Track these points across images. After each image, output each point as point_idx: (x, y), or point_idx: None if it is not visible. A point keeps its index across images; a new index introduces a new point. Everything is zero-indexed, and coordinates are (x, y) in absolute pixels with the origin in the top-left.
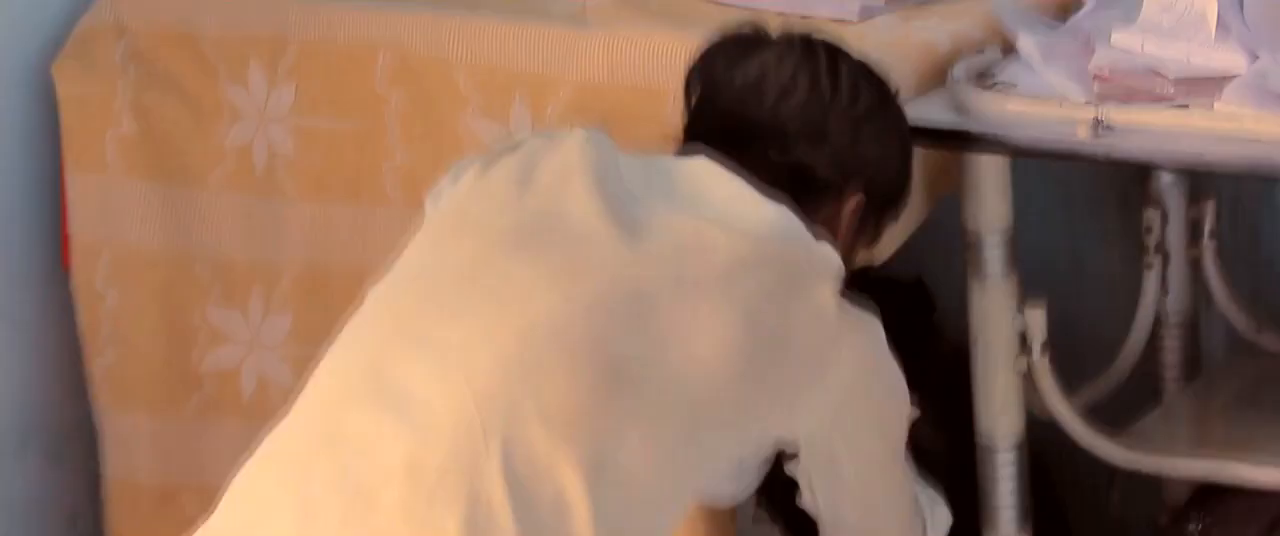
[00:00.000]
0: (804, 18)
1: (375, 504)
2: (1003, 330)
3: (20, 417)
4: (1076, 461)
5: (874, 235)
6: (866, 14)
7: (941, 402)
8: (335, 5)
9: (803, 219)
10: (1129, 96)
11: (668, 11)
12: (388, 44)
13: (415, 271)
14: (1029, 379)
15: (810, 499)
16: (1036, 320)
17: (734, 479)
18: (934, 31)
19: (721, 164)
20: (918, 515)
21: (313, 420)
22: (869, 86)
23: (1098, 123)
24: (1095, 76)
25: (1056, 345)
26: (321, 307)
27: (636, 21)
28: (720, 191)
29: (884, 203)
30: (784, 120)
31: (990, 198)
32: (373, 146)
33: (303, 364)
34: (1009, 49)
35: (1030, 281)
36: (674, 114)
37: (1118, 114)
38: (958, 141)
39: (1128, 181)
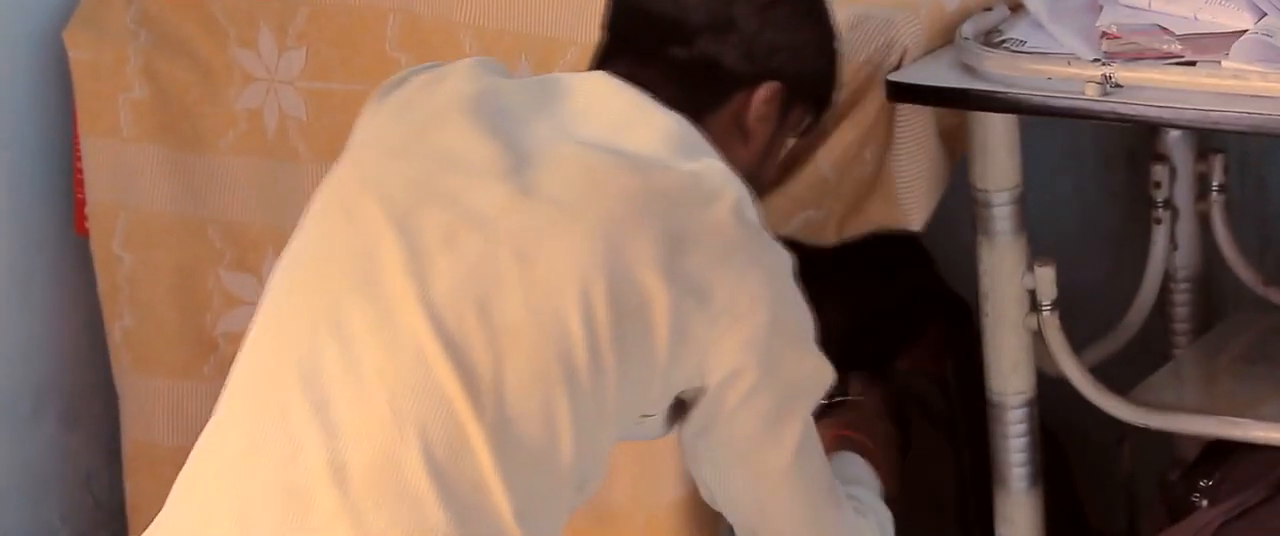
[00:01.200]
0: None
1: (311, 505)
2: (1012, 288)
3: (35, 382)
4: (1086, 419)
5: (807, 128)
6: None
7: (949, 357)
8: None
9: (706, 123)
10: (1137, 54)
11: None
12: (397, 7)
13: (319, 251)
14: (1039, 337)
15: (705, 489)
16: (1046, 278)
17: (646, 427)
18: None
19: (619, 76)
20: (840, 507)
21: (244, 419)
22: None
23: (1106, 81)
24: (1103, 34)
25: (1065, 303)
26: None
27: None
28: (612, 108)
29: (808, 94)
30: (687, 11)
31: (999, 156)
32: None
33: None
34: (1016, 7)
35: (1038, 239)
36: None
37: (1125, 72)
38: (966, 100)
39: (1135, 137)
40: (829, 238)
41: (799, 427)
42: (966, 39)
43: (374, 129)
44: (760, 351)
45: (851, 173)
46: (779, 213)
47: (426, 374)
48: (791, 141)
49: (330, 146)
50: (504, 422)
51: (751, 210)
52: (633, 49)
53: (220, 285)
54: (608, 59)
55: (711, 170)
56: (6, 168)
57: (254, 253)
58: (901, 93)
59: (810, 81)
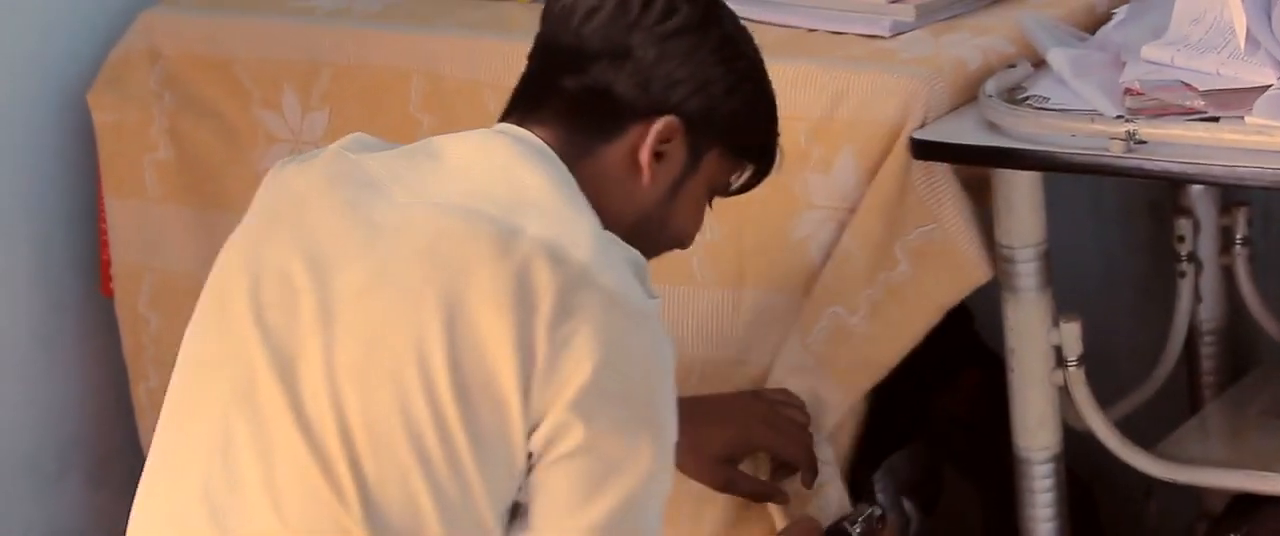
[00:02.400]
0: (835, 34)
1: None
2: (1038, 344)
3: (61, 441)
4: (1113, 473)
5: (746, 184)
6: (897, 30)
7: (982, 405)
8: (367, 30)
9: (598, 155)
10: (1160, 111)
11: None
12: (420, 68)
13: (204, 358)
14: (1065, 392)
15: None
16: (1071, 334)
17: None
18: (964, 47)
19: (519, 116)
20: None
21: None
22: (692, 7)
23: (1130, 137)
24: (1126, 91)
25: (1091, 356)
26: None
27: None
28: (480, 167)
29: (723, 137)
30: (585, 40)
31: (1023, 213)
32: None
33: None
34: (1039, 63)
35: (1062, 292)
36: None
37: (1149, 129)
38: (991, 158)
39: (1158, 191)
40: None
41: (609, 507)
42: (990, 96)
43: (256, 207)
44: (586, 413)
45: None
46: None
47: (301, 479)
48: (713, 194)
49: None
50: (376, 517)
51: (610, 273)
52: (536, 82)
53: None
54: (517, 96)
55: (570, 232)
56: (32, 229)
57: None
58: (926, 150)
59: (721, 123)
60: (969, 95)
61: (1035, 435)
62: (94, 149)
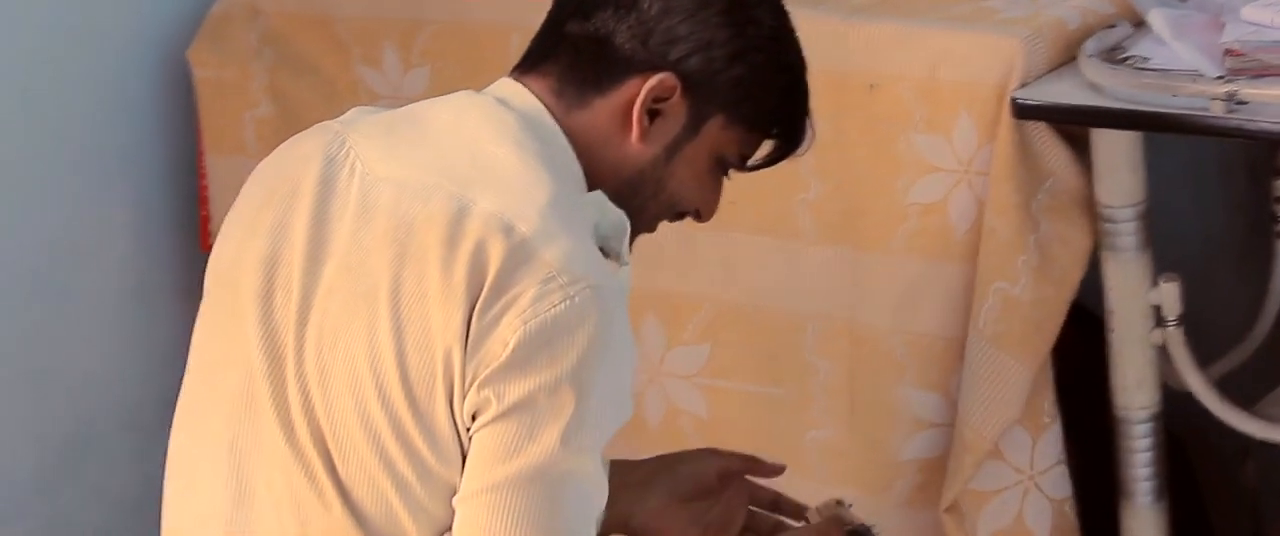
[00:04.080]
0: None
1: None
2: (1137, 304)
3: (160, 397)
4: (1211, 433)
5: (720, 142)
6: None
7: (1072, 363)
8: None
9: (590, 105)
10: (1261, 71)
11: None
12: (520, 25)
13: (208, 374)
14: (1164, 352)
15: None
16: (1171, 294)
17: None
18: (1063, 7)
19: (528, 63)
20: None
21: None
22: None
23: (1230, 98)
24: (1227, 51)
25: (1189, 316)
26: None
27: None
28: (457, 136)
29: (727, 104)
30: None
31: (1123, 173)
32: None
33: None
34: (1139, 24)
35: (1160, 253)
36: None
37: (1250, 89)
38: (1091, 118)
39: (1258, 151)
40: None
41: (514, 470)
42: (1090, 56)
43: (241, 201)
44: (499, 389)
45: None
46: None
47: (289, 486)
48: (725, 166)
49: None
50: (358, 519)
51: (555, 245)
52: (548, 28)
53: None
54: (532, 43)
55: (519, 203)
56: (132, 185)
57: None
58: (1027, 112)
59: (724, 90)
60: (1068, 55)
61: (1134, 394)
62: (194, 105)
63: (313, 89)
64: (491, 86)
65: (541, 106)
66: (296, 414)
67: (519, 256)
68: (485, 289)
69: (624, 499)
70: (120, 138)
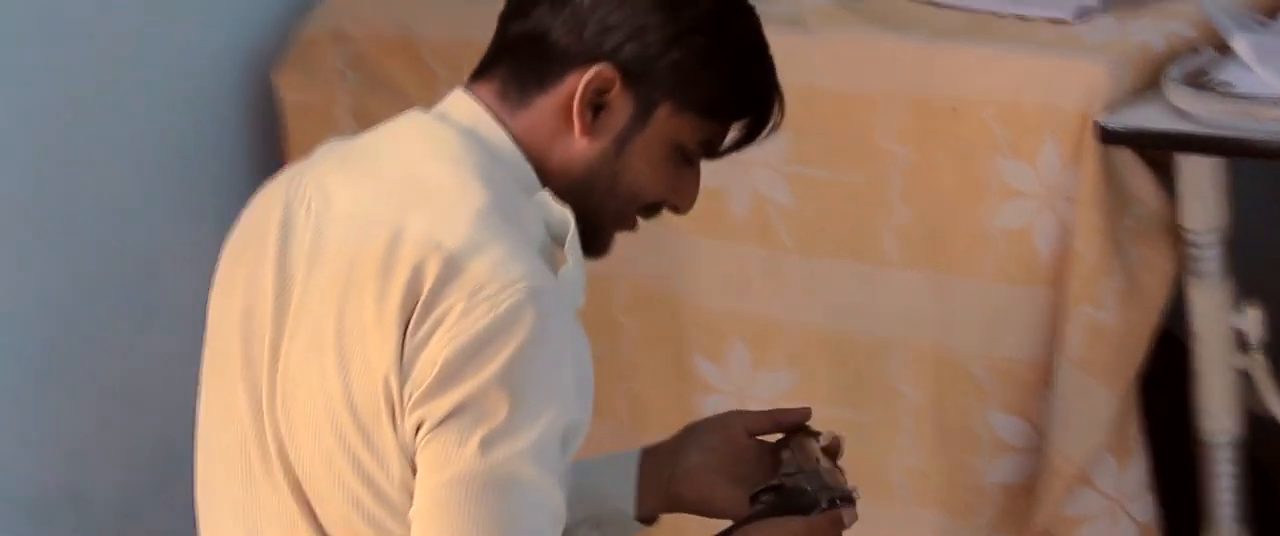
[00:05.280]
0: (1020, 18)
1: None
2: (1220, 329)
3: None
4: None
5: (674, 131)
6: (1082, 15)
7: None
8: None
9: (534, 105)
10: None
11: (886, 15)
12: None
13: (211, 428)
14: (1247, 377)
15: None
16: (1254, 320)
17: None
18: (1149, 32)
19: (480, 72)
20: None
21: None
22: None
23: None
24: None
25: (1273, 342)
26: None
27: (856, 25)
28: (395, 163)
29: (671, 91)
30: None
31: (1207, 199)
32: None
33: None
34: (1223, 48)
35: (1244, 279)
36: (887, 120)
37: None
38: (1178, 143)
39: None
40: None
41: (440, 481)
42: (1175, 82)
43: (223, 256)
44: (430, 407)
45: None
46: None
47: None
48: (687, 155)
49: None
50: None
51: (483, 256)
52: (496, 33)
53: None
54: (488, 48)
55: (448, 219)
56: (220, 206)
57: None
58: (1113, 137)
59: (664, 77)
60: (1153, 80)
61: (1217, 419)
62: (280, 127)
63: (399, 113)
64: (442, 101)
65: (485, 114)
66: (277, 467)
67: (447, 273)
68: (416, 310)
69: (659, 474)
70: (207, 159)
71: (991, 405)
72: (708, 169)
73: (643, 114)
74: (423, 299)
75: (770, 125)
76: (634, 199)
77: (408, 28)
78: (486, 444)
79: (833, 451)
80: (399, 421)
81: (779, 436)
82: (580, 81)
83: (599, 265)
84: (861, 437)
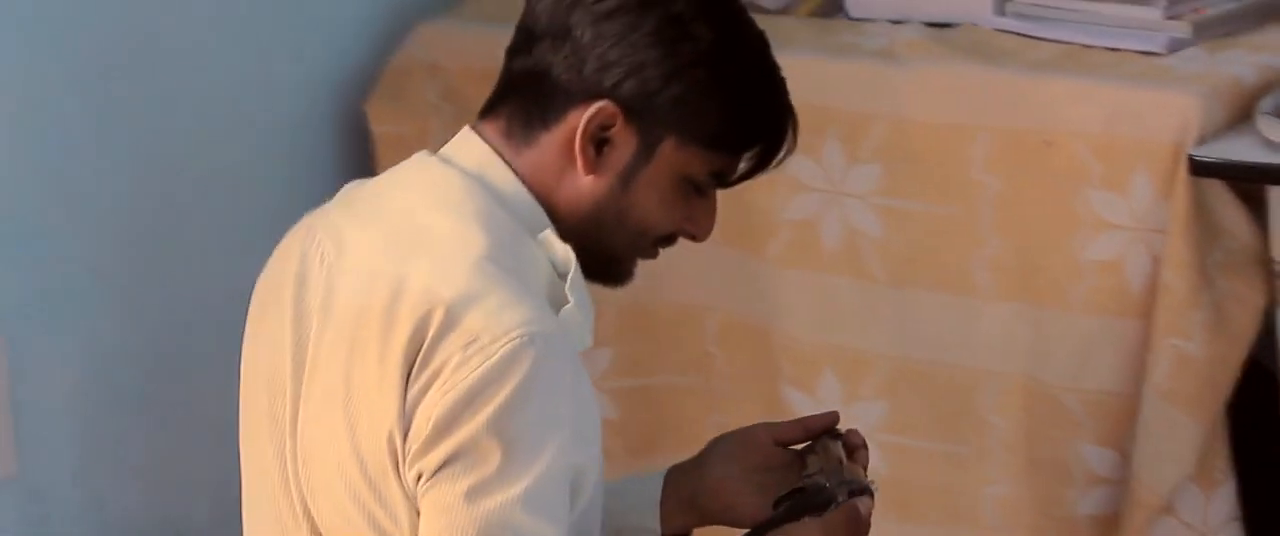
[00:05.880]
0: (1111, 50)
1: None
2: None
3: None
4: None
5: (681, 164)
6: (1174, 47)
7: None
8: None
9: (538, 144)
10: None
11: (977, 47)
12: None
13: (246, 480)
14: None
15: None
16: None
17: None
18: (1240, 64)
19: (489, 110)
20: None
21: None
22: None
23: None
24: None
25: None
26: (644, 340)
27: (947, 58)
28: (401, 214)
29: (675, 125)
30: (536, 18)
31: None
32: None
33: (624, 396)
34: None
35: None
36: (979, 152)
37: None
38: (1268, 176)
39: None
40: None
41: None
42: (1266, 114)
43: (250, 310)
44: (425, 461)
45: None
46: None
47: None
48: (698, 187)
49: None
50: None
51: (478, 307)
52: (503, 70)
53: None
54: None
55: (446, 268)
56: None
57: None
58: (1204, 169)
59: (666, 111)
60: (1244, 113)
61: None
62: (372, 159)
63: None
64: (452, 140)
65: (490, 154)
66: (305, 525)
67: (444, 325)
68: (416, 364)
69: (684, 488)
70: (299, 189)
71: (1082, 436)
72: (799, 201)
73: (647, 149)
74: (422, 353)
75: (783, 153)
76: (645, 233)
77: (500, 60)
78: (478, 493)
79: (853, 447)
80: (403, 474)
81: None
82: (582, 119)
83: (691, 297)
84: (952, 468)
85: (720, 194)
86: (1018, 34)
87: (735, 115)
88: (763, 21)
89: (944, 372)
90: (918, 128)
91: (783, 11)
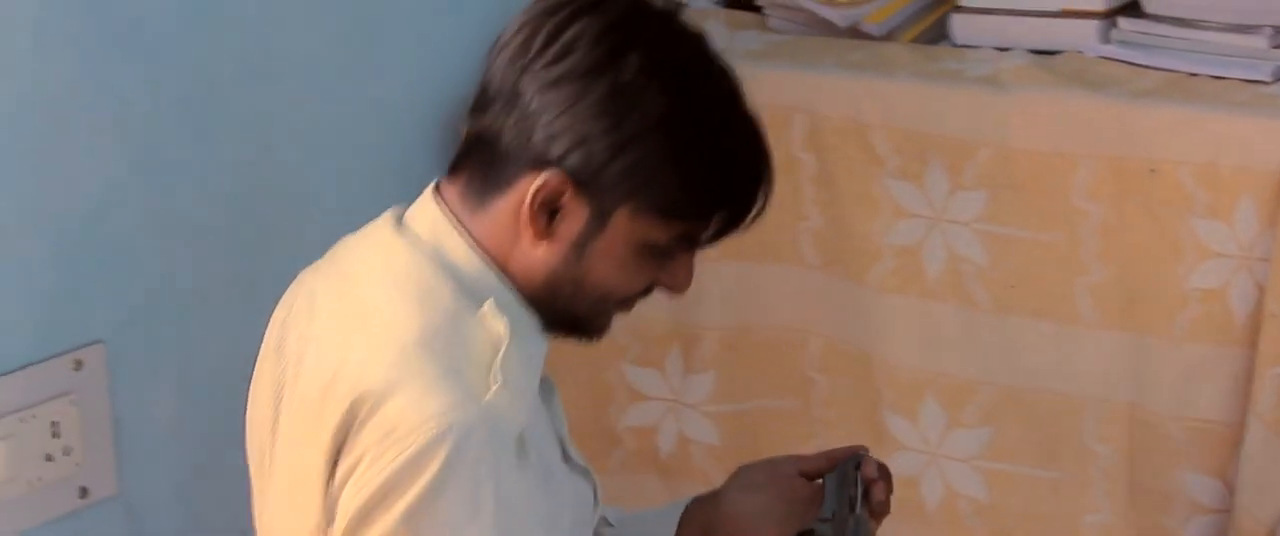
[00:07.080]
0: (1216, 78)
1: None
2: None
3: None
4: None
5: (639, 231)
6: (1279, 75)
7: None
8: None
9: (491, 209)
10: None
11: (1081, 74)
12: (802, 107)
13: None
14: None
15: None
16: None
17: None
18: None
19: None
20: None
21: None
22: (592, 51)
23: None
24: None
25: None
26: (744, 364)
27: (1052, 85)
28: (364, 287)
29: (619, 193)
30: (491, 79)
31: None
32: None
33: (724, 420)
34: None
35: None
36: (1084, 180)
37: None
38: None
39: None
40: None
41: None
42: None
43: (263, 345)
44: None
45: None
46: None
47: None
48: (661, 253)
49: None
50: None
51: (401, 394)
52: (466, 125)
53: (623, 379)
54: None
55: (376, 353)
56: None
57: (658, 348)
58: None
59: (616, 182)
60: None
61: None
62: None
63: None
64: (418, 198)
65: (443, 219)
66: None
67: (366, 415)
68: (340, 456)
69: (700, 518)
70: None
71: (1186, 465)
72: (902, 227)
73: (599, 218)
74: (346, 442)
75: (754, 213)
76: (606, 298)
77: None
78: None
79: (870, 479)
80: None
81: None
82: (529, 188)
83: (792, 321)
84: (1055, 496)
85: (822, 215)
86: (1122, 61)
87: (693, 183)
88: (866, 49)
89: (1046, 400)
90: (1022, 155)
91: (886, 37)
